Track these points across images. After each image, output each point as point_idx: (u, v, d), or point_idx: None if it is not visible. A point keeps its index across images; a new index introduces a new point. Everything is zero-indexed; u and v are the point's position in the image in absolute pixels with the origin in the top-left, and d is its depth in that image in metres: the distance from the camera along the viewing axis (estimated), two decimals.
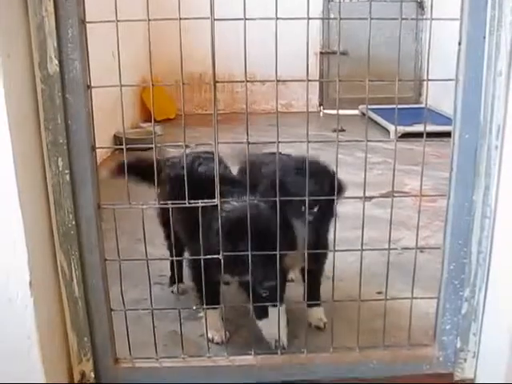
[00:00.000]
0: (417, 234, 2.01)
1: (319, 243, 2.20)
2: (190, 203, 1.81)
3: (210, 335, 2.30)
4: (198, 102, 7.58)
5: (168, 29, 4.92)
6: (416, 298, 2.02)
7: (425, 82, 7.76)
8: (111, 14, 1.71)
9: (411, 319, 2.04)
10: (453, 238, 1.93)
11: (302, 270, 2.51)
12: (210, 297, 2.19)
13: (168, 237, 2.64)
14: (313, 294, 2.47)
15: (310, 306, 2.48)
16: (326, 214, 2.20)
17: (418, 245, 2.08)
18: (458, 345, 2.01)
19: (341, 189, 2.23)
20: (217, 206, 1.89)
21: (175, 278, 2.72)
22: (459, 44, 1.76)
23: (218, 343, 2.32)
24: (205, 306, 2.20)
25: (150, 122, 6.51)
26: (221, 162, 2.47)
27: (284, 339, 2.24)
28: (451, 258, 1.94)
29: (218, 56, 1.74)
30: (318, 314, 2.51)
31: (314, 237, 2.15)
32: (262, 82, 7.27)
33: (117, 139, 5.45)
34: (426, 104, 1.87)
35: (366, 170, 1.94)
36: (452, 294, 1.97)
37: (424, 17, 7.58)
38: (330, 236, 2.30)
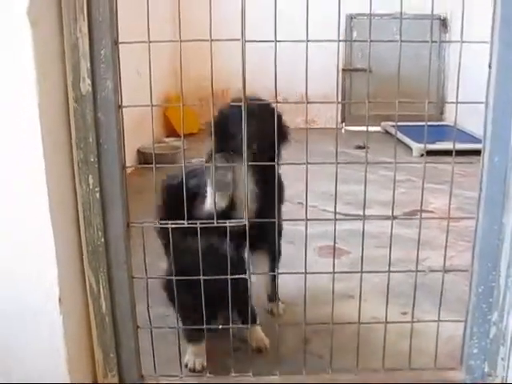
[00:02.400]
0: (444, 256, 1.99)
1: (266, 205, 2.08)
2: (218, 223, 1.83)
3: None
4: None
5: (193, 47, 5.01)
6: (443, 321, 2.00)
7: (448, 100, 7.74)
8: (140, 35, 1.74)
9: (437, 342, 2.02)
10: (481, 260, 1.91)
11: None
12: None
13: None
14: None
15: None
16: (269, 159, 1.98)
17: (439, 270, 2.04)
18: (486, 369, 1.99)
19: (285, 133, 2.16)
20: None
21: None
22: (489, 67, 1.75)
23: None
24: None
25: (173, 136, 6.55)
26: None
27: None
28: (479, 280, 1.92)
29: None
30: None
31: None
32: (284, 99, 7.29)
33: (141, 154, 5.49)
34: (455, 124, 1.87)
35: (394, 190, 1.93)
36: (480, 317, 1.95)
37: (447, 34, 7.55)
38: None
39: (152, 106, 1.76)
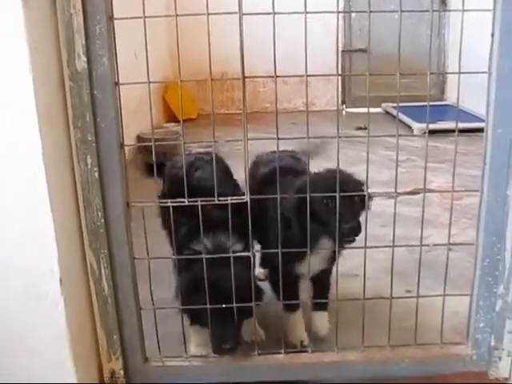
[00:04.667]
0: (449, 230, 1.97)
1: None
2: (219, 200, 1.80)
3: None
4: (220, 102, 7.57)
5: (190, 30, 4.95)
6: (448, 295, 1.98)
7: (448, 80, 7.69)
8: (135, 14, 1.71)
9: (443, 317, 2.01)
10: (486, 233, 1.89)
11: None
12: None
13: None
14: (324, 297, 2.33)
15: (315, 309, 2.36)
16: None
17: (444, 243, 2.02)
18: (493, 343, 1.98)
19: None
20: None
21: None
22: (492, 35, 1.72)
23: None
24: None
25: (173, 122, 6.52)
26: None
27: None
28: (485, 254, 1.90)
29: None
30: (322, 321, 2.39)
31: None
32: (283, 81, 7.25)
33: (140, 140, 5.45)
34: (458, 98, 1.83)
35: (397, 165, 1.91)
36: (485, 291, 1.94)
37: (447, 13, 7.49)
38: None
39: (149, 82, 1.73)
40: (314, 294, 2.35)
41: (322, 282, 2.32)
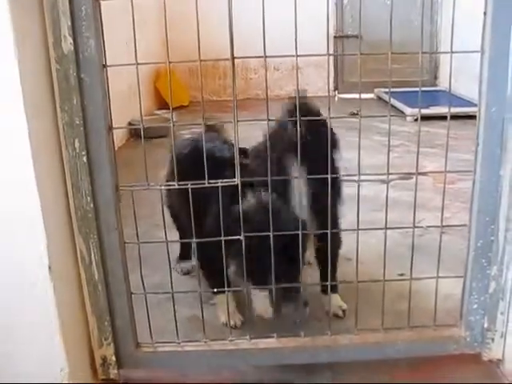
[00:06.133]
0: (442, 213, 1.96)
1: (326, 213, 2.03)
2: (209, 183, 1.78)
3: (223, 320, 2.33)
4: (211, 89, 7.54)
5: (180, 18, 4.91)
6: (442, 278, 1.97)
7: (440, 66, 7.68)
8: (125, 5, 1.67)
9: (436, 299, 2.00)
10: (479, 214, 1.88)
11: (317, 252, 2.44)
12: (219, 282, 2.11)
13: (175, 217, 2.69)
14: (330, 279, 2.32)
15: (325, 292, 2.36)
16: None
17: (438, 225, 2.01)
18: (486, 324, 1.97)
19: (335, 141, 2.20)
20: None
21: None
22: (484, 14, 1.70)
23: (232, 327, 2.30)
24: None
25: (164, 109, 6.48)
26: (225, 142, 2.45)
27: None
28: (478, 235, 1.89)
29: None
30: (336, 301, 2.44)
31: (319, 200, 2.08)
32: (275, 68, 7.22)
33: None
34: (450, 78, 1.80)
35: (389, 147, 1.89)
36: (479, 272, 1.93)
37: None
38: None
39: (137, 64, 1.70)
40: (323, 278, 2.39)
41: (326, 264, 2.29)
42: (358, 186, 1.99)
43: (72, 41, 1.64)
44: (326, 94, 7.45)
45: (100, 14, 1.67)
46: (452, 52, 1.77)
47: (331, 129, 2.11)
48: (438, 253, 1.95)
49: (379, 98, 7.10)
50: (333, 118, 1.82)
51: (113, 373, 1.98)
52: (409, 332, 2.03)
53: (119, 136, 5.25)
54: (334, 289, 2.42)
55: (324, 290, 2.41)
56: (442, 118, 4.54)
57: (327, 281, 2.21)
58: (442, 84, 7.53)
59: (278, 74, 7.24)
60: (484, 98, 1.78)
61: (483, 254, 1.90)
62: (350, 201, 3.16)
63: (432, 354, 2.03)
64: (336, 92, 7.56)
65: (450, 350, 2.01)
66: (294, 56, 1.70)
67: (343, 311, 2.42)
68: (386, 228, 1.91)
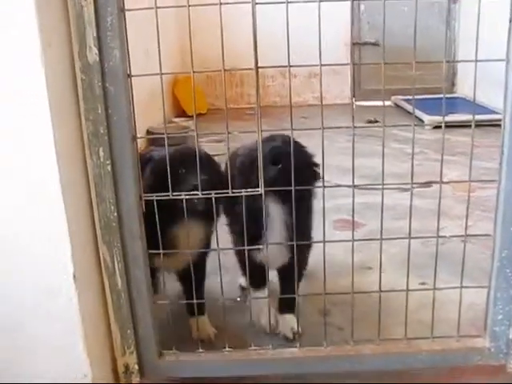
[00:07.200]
0: (466, 221, 1.94)
1: (298, 229, 2.02)
2: (233, 192, 1.79)
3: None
4: (228, 97, 7.56)
5: (200, 27, 4.93)
6: (466, 287, 1.95)
7: (458, 73, 7.63)
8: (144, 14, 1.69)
9: (460, 309, 1.98)
10: (504, 224, 1.86)
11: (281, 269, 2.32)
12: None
13: None
14: (288, 299, 2.26)
15: (281, 312, 2.31)
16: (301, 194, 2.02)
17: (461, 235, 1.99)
18: (511, 335, 1.95)
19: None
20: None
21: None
22: (510, 21, 1.69)
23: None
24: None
25: (182, 117, 6.51)
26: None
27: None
28: (503, 245, 1.87)
29: (250, 50, 1.71)
30: (289, 322, 2.30)
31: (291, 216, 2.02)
32: (293, 75, 7.22)
33: (150, 135, 5.45)
34: (475, 87, 1.79)
35: (413, 156, 1.89)
36: (504, 282, 1.90)
37: (457, 5, 7.44)
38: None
39: (161, 74, 1.71)
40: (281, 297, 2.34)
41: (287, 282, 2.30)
42: (382, 195, 1.99)
43: (97, 51, 1.66)
44: (343, 102, 7.46)
45: (125, 24, 1.68)
46: (477, 61, 1.75)
47: (312, 161, 2.15)
48: (462, 262, 1.93)
49: (397, 106, 7.07)
50: (356, 127, 1.81)
51: (135, 381, 1.98)
52: (432, 342, 2.01)
53: (138, 144, 5.28)
54: (291, 308, 2.31)
55: (281, 309, 2.34)
56: (461, 125, 4.53)
57: (286, 300, 2.25)
58: (460, 91, 7.48)
59: (295, 80, 7.24)
60: (509, 107, 1.77)
61: (508, 264, 1.88)
62: (370, 209, 3.17)
63: (455, 364, 2.01)
64: (353, 99, 7.56)
65: (473, 360, 1.98)
66: (317, 65, 1.70)
67: (294, 334, 2.27)
68: (410, 238, 1.90)
